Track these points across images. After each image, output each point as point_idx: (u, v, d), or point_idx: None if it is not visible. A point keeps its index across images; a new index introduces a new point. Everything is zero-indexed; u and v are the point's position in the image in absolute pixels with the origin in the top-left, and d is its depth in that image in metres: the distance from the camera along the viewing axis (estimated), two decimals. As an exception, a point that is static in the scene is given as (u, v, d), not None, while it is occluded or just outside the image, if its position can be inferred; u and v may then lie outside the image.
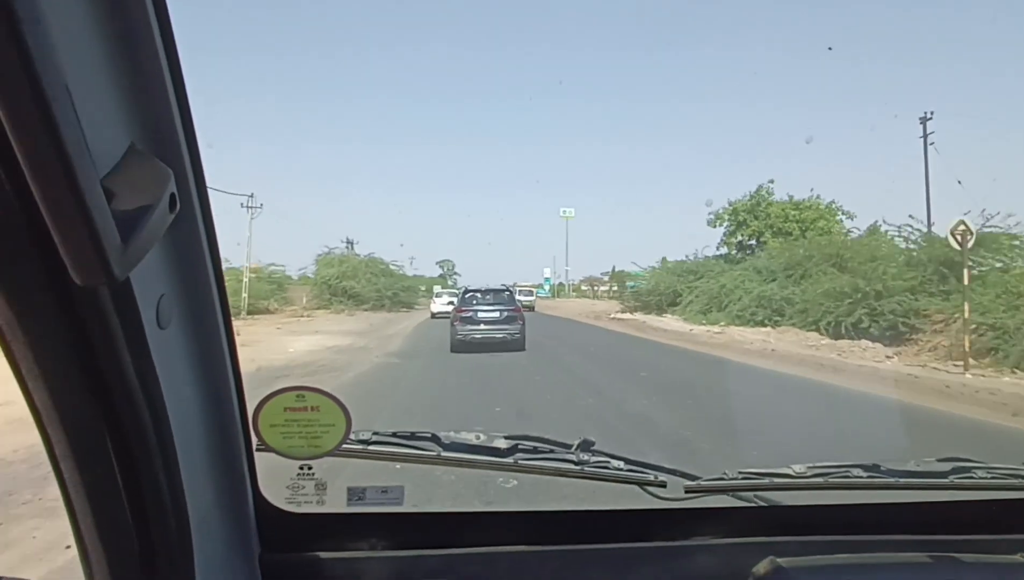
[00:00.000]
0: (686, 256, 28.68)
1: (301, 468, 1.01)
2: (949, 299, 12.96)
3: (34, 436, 0.72)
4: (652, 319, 23.54)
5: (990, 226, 14.56)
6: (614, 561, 1.03)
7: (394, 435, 1.07)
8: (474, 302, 14.42)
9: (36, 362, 0.64)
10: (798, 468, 1.07)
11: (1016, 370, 9.78)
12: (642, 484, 1.07)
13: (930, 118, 24.94)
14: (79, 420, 0.70)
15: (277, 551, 1.02)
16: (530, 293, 37.88)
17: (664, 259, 30.60)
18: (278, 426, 0.95)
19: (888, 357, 12.09)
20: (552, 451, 1.08)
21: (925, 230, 17.18)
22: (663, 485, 1.07)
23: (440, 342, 14.48)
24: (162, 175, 0.61)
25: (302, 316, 25.54)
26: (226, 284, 0.90)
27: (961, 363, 10.15)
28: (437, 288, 36.46)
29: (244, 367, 0.94)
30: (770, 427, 5.85)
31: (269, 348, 12.47)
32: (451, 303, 19.72)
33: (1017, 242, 14.39)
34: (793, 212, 26.34)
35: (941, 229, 15.74)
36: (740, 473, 1.07)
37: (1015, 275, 12.74)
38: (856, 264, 16.76)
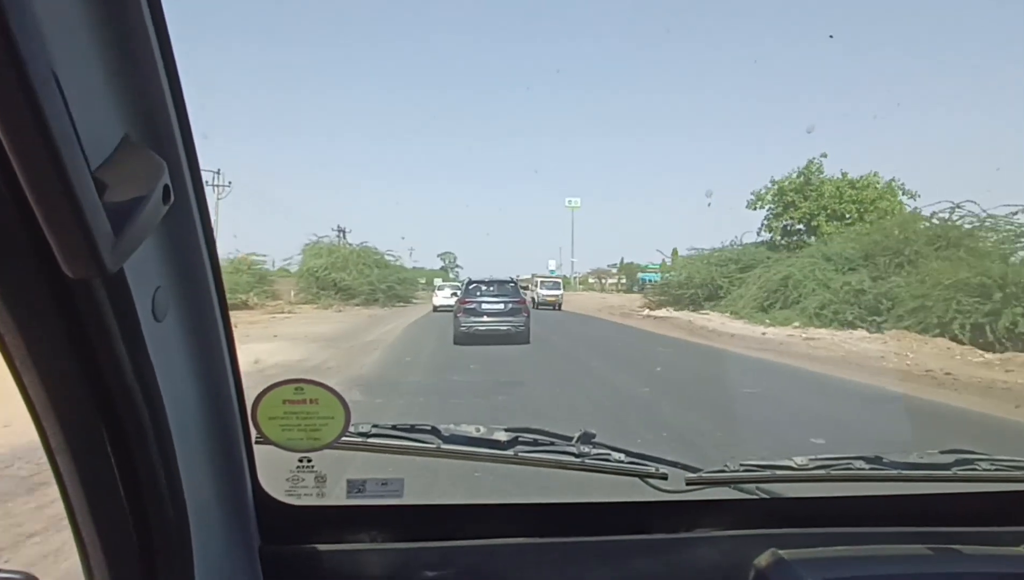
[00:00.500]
0: (721, 243, 28.45)
1: (300, 461, 1.14)
2: None
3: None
4: (694, 317, 22.70)
5: None
6: (615, 553, 1.19)
7: (394, 428, 1.23)
8: (478, 294, 15.46)
9: (30, 355, 0.71)
10: (800, 460, 1.22)
11: None
12: (643, 476, 1.22)
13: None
14: (75, 413, 0.77)
15: (277, 543, 1.16)
16: (556, 285, 33.86)
17: (675, 251, 30.69)
18: (277, 419, 1.08)
19: None
20: (552, 443, 1.23)
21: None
22: (664, 477, 1.22)
23: (434, 357, 12.39)
24: (155, 166, 0.68)
25: (283, 312, 25.72)
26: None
27: None
28: (438, 281, 38.49)
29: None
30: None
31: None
32: (455, 295, 20.64)
33: None
34: (849, 191, 25.88)
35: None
36: (742, 465, 1.23)
37: None
38: (985, 250, 15.17)
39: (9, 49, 0.47)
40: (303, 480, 1.16)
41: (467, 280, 17.61)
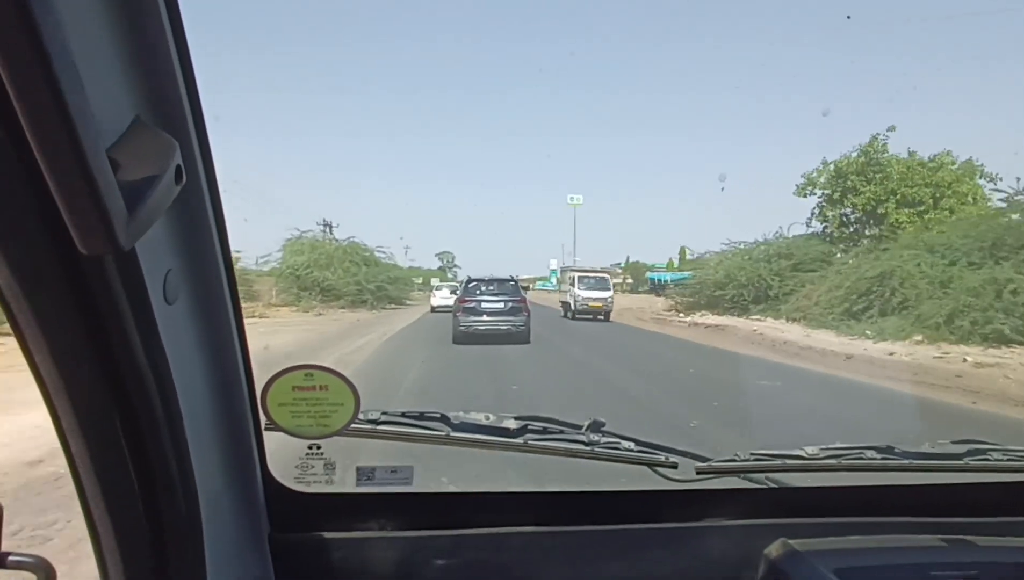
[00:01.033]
0: (763, 236, 27.64)
1: (310, 448, 1.33)
2: None
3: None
4: (751, 325, 21.56)
5: None
6: (625, 542, 1.39)
7: (403, 415, 1.42)
8: (478, 292, 17.02)
9: (43, 334, 0.81)
10: (810, 450, 1.42)
11: None
12: (653, 465, 1.42)
13: None
14: (87, 395, 0.88)
15: (286, 530, 1.34)
16: (603, 284, 28.42)
17: (683, 250, 29.99)
18: (287, 405, 1.25)
19: None
20: (562, 432, 1.43)
21: None
22: (674, 466, 1.41)
23: (420, 392, 9.26)
24: (168, 146, 0.77)
25: (253, 316, 25.91)
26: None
27: None
28: (435, 281, 39.76)
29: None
30: None
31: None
32: (454, 293, 21.63)
33: None
34: (921, 172, 25.24)
35: None
36: (752, 454, 1.43)
37: None
38: None
39: (32, 36, 0.55)
40: (312, 467, 1.34)
41: (466, 278, 18.81)
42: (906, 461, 1.41)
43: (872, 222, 26.42)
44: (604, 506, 1.46)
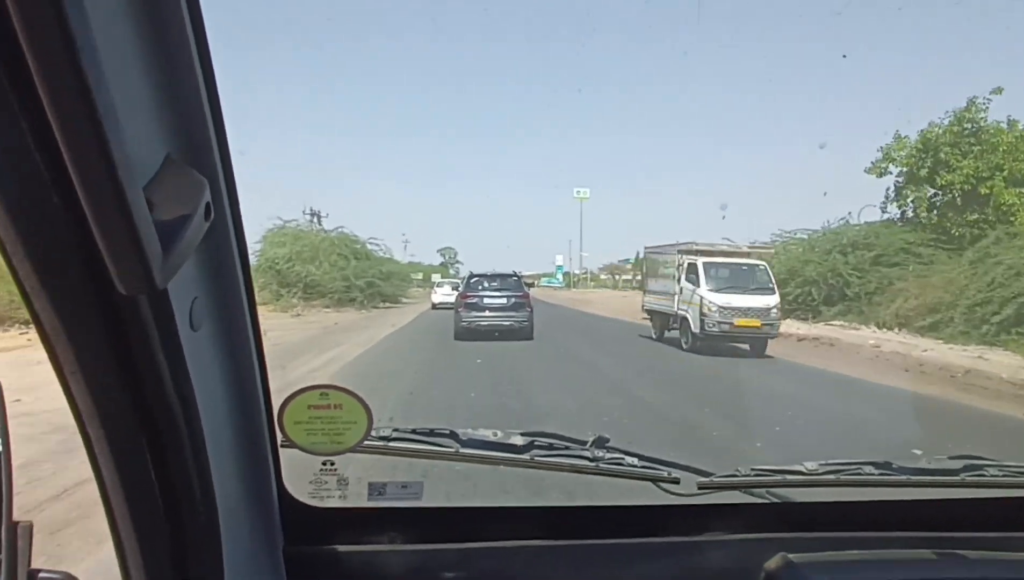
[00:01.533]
0: (827, 222, 25.61)
1: (324, 464, 1.57)
2: None
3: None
4: (857, 337, 18.69)
5: None
6: (628, 555, 1.64)
7: (413, 432, 1.69)
8: (480, 288, 18.57)
9: (78, 364, 0.96)
10: (810, 465, 1.67)
11: None
12: (656, 480, 1.67)
13: None
14: (116, 419, 1.04)
15: (300, 544, 1.58)
16: (757, 277, 17.63)
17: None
18: (302, 423, 1.49)
19: None
20: (567, 448, 1.70)
21: None
22: (676, 481, 1.67)
23: None
24: (198, 185, 0.90)
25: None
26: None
27: None
28: (436, 277, 41.50)
29: None
30: None
31: None
32: (456, 289, 22.58)
33: None
34: None
35: None
36: (753, 470, 1.68)
37: None
38: None
39: (78, 77, 0.65)
40: (326, 483, 1.58)
41: (468, 274, 20.22)
42: (904, 477, 1.65)
43: (973, 204, 24.47)
44: (608, 520, 1.72)
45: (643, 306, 20.85)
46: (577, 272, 69.44)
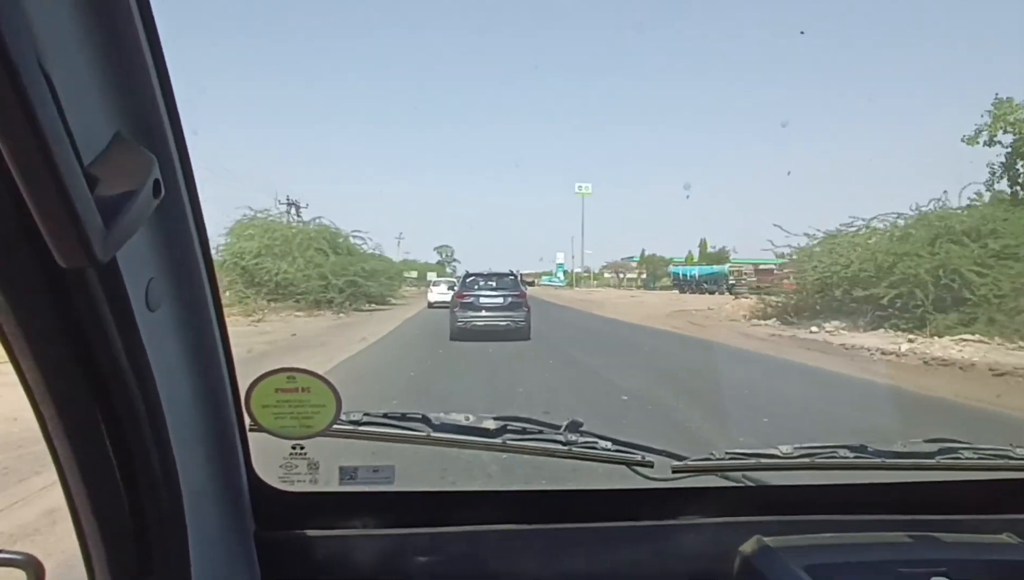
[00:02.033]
0: (927, 203, 20.09)
1: (293, 448, 1.57)
2: None
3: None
4: None
5: None
6: (601, 540, 1.65)
7: (385, 416, 1.68)
8: (476, 287, 18.73)
9: (28, 344, 0.97)
10: (785, 448, 1.68)
11: None
12: (630, 464, 1.68)
13: None
14: (72, 401, 1.04)
15: (271, 528, 1.59)
16: None
17: (704, 241, 26.71)
18: (270, 407, 1.49)
19: None
20: (540, 432, 1.69)
21: None
22: (650, 465, 1.67)
23: None
24: (146, 162, 0.91)
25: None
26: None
27: None
28: (432, 275, 42.08)
29: None
30: None
31: None
32: (452, 288, 22.83)
33: None
34: None
35: None
36: (728, 453, 1.69)
37: None
38: None
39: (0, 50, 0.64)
40: (296, 467, 1.59)
41: (465, 273, 20.33)
42: (878, 459, 1.67)
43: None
44: (581, 504, 1.72)
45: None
46: (579, 270, 70.76)
